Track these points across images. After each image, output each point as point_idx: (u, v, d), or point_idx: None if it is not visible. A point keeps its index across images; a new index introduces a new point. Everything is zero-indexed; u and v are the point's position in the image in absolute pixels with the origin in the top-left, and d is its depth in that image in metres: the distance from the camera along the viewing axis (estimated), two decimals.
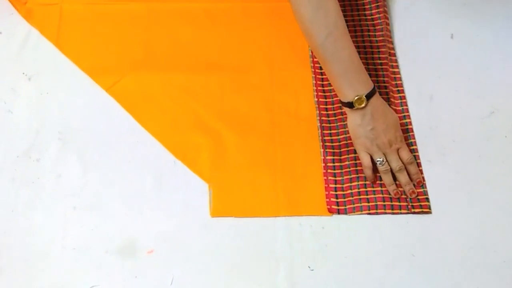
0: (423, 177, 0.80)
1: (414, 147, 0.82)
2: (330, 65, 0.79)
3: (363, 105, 0.77)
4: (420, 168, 0.81)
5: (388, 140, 0.78)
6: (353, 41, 0.93)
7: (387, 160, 0.78)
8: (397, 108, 0.86)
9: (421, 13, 0.98)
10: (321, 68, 0.91)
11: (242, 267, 0.73)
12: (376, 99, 0.78)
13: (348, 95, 0.78)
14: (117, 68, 0.91)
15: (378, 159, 0.78)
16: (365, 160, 0.79)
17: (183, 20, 0.97)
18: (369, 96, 0.77)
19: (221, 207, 0.78)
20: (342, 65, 0.78)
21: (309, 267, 0.73)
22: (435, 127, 0.85)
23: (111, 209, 0.77)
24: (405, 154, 0.79)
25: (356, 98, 0.77)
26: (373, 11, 0.97)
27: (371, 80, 0.80)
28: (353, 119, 0.79)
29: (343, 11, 0.98)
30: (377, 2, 0.98)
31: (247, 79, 0.90)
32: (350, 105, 0.78)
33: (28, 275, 0.72)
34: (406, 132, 0.84)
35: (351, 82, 0.78)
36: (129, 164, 0.81)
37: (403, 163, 0.79)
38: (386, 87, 0.89)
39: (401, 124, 0.85)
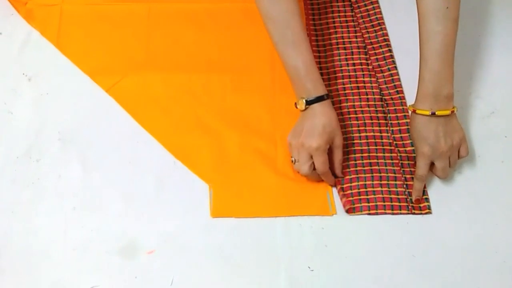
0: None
1: (414, 147, 0.82)
2: (284, 67, 0.80)
3: (301, 108, 0.78)
4: None
5: (303, 144, 0.76)
6: (353, 41, 0.94)
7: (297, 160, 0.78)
8: (398, 108, 0.87)
9: None
10: (321, 69, 0.91)
11: (242, 268, 0.73)
12: (319, 106, 0.77)
13: (296, 96, 0.79)
14: (117, 68, 0.91)
15: (292, 158, 0.79)
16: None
17: (184, 21, 0.97)
18: (311, 103, 0.77)
19: (221, 207, 0.78)
20: (289, 70, 0.79)
21: (309, 267, 0.73)
22: None
23: (112, 209, 0.77)
24: (318, 163, 0.77)
25: (299, 100, 0.78)
26: (370, 12, 0.97)
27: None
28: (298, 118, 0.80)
29: (343, 11, 0.98)
30: (373, 4, 0.98)
31: (248, 79, 0.91)
32: (296, 105, 0.79)
33: (29, 276, 0.72)
34: (407, 132, 0.84)
35: (297, 86, 0.79)
36: (129, 164, 0.81)
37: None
38: (387, 88, 0.89)
39: (402, 124, 0.85)
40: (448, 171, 0.78)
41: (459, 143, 0.78)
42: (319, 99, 0.77)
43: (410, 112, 0.79)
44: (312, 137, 0.76)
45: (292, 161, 0.79)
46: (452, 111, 0.77)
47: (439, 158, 0.77)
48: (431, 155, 0.76)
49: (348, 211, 0.78)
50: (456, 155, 0.78)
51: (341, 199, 0.79)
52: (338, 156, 0.79)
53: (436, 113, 0.75)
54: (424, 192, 0.79)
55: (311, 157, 0.77)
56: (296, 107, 0.79)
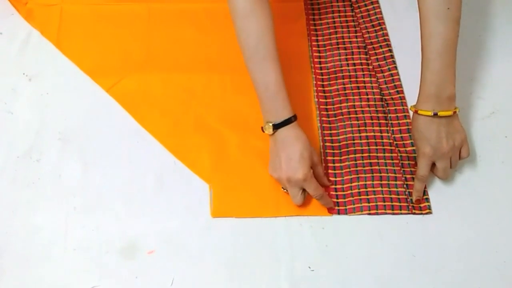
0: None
1: (414, 147, 0.82)
2: (253, 85, 0.78)
3: (269, 133, 0.76)
4: None
5: (286, 178, 0.75)
6: (354, 41, 0.94)
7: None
8: (398, 108, 0.87)
9: None
10: (321, 69, 0.92)
11: (243, 267, 0.73)
12: (288, 131, 0.76)
13: (263, 118, 0.78)
14: (117, 68, 0.91)
15: (283, 189, 0.78)
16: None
17: (184, 21, 0.97)
18: (278, 126, 0.76)
19: (221, 207, 0.78)
20: (258, 90, 0.77)
21: (309, 267, 0.73)
22: None
23: (112, 209, 0.77)
24: (311, 191, 0.76)
25: (265, 124, 0.77)
26: (370, 12, 0.97)
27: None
28: (269, 142, 0.78)
29: (343, 11, 0.98)
30: (373, 4, 0.98)
31: (248, 79, 0.90)
32: (263, 129, 0.78)
33: (29, 276, 0.72)
34: (407, 132, 0.84)
35: (265, 107, 0.78)
36: (129, 164, 0.81)
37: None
38: (387, 88, 0.89)
39: (402, 124, 0.85)
40: (449, 172, 0.78)
41: (461, 144, 0.78)
42: (287, 122, 0.76)
43: (411, 112, 0.79)
44: (295, 169, 0.74)
45: (285, 191, 0.78)
46: (454, 112, 0.76)
47: (440, 159, 0.77)
48: (432, 155, 0.76)
49: (330, 211, 0.78)
50: (457, 156, 0.78)
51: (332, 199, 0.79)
52: (319, 172, 0.79)
53: (439, 113, 0.75)
54: (425, 192, 0.79)
55: (301, 187, 0.76)
56: (263, 131, 0.77)
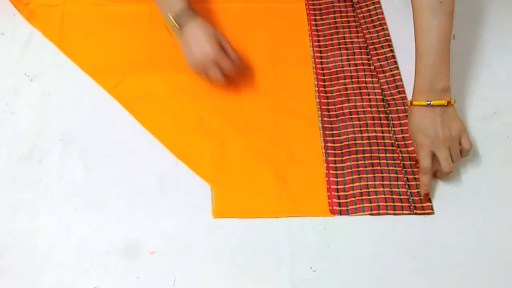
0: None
1: (412, 141, 0.82)
2: None
3: (172, 26, 0.83)
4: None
5: (203, 58, 0.82)
6: (355, 42, 0.94)
7: None
8: (399, 108, 0.87)
9: None
10: (322, 69, 0.91)
11: (244, 268, 0.73)
12: (192, 23, 0.82)
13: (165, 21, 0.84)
14: (119, 69, 0.91)
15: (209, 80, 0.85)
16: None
17: None
18: (180, 17, 0.82)
19: (223, 207, 0.78)
20: None
21: (311, 267, 0.73)
22: None
23: (114, 210, 0.77)
24: (225, 65, 0.83)
25: (168, 21, 0.82)
26: (372, 12, 0.97)
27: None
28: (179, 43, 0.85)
29: (344, 11, 0.98)
30: (375, 4, 0.98)
31: (249, 79, 0.91)
32: (168, 30, 0.84)
33: (30, 276, 0.72)
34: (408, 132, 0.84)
35: (163, 5, 0.84)
36: (131, 165, 0.81)
37: None
38: (389, 88, 0.89)
39: (404, 124, 0.85)
40: (451, 164, 0.76)
41: (459, 134, 0.77)
42: (185, 11, 0.82)
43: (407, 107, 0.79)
44: (206, 46, 0.81)
45: (204, 78, 0.84)
46: (449, 102, 0.76)
47: (439, 148, 0.76)
48: (430, 145, 0.76)
49: (332, 212, 0.78)
50: (456, 146, 0.77)
51: (329, 198, 0.79)
52: (227, 47, 0.84)
53: (432, 103, 0.76)
54: None
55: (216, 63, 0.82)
56: (171, 33, 0.83)
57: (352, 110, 0.87)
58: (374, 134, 0.84)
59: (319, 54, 0.93)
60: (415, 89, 0.78)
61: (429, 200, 0.78)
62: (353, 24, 0.97)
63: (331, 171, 0.81)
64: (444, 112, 0.77)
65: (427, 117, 0.76)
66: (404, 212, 0.78)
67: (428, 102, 0.76)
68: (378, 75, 0.91)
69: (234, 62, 0.84)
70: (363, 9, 0.98)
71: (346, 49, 0.94)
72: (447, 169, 0.76)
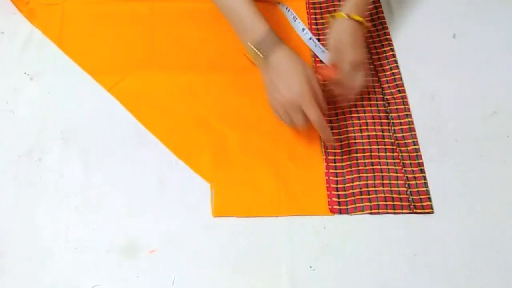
0: (423, 176, 0.80)
1: (416, 146, 0.82)
2: (229, 20, 0.77)
3: (260, 55, 0.74)
4: (422, 167, 0.81)
5: (290, 102, 0.73)
6: None
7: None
8: (399, 107, 0.86)
9: (423, 13, 0.98)
10: (323, 69, 0.91)
11: (244, 267, 0.73)
12: (277, 52, 0.74)
13: (247, 48, 0.76)
14: (119, 68, 0.91)
15: (287, 123, 0.77)
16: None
17: (186, 20, 0.97)
18: (264, 44, 0.73)
19: (223, 207, 0.78)
20: (235, 18, 0.77)
21: (310, 266, 0.73)
22: (437, 127, 0.85)
23: (113, 208, 0.78)
24: (310, 114, 0.73)
25: (251, 48, 0.74)
26: (372, 11, 0.97)
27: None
28: (262, 75, 0.76)
29: None
30: (375, 3, 0.98)
31: (249, 79, 0.90)
32: (249, 58, 0.75)
33: (30, 275, 0.72)
34: (408, 131, 0.84)
35: (245, 32, 0.76)
36: (131, 163, 0.82)
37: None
38: (389, 87, 0.89)
39: (404, 123, 0.85)
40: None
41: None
42: (270, 37, 0.74)
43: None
44: (300, 88, 0.72)
45: (284, 121, 0.76)
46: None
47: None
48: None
49: (331, 211, 0.78)
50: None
51: (329, 197, 0.79)
52: (319, 96, 0.75)
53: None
54: (427, 191, 0.79)
55: (302, 109, 0.74)
56: (252, 61, 0.75)
57: (352, 109, 0.87)
58: (374, 133, 0.84)
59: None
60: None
61: (429, 199, 0.78)
62: None
63: (330, 170, 0.81)
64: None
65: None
66: (404, 211, 0.78)
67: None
68: (378, 74, 0.91)
69: (321, 108, 0.75)
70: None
71: None
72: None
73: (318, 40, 0.94)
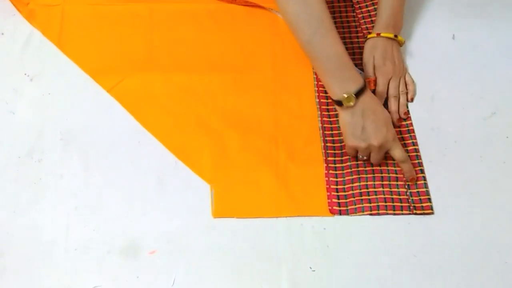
0: (423, 176, 0.80)
1: (415, 147, 0.83)
2: (318, 62, 0.79)
3: (351, 103, 0.77)
4: (422, 167, 0.81)
5: (379, 144, 0.77)
6: (355, 42, 0.94)
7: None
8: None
9: (423, 14, 0.99)
10: None
11: (244, 268, 0.73)
12: (366, 97, 0.78)
13: (337, 93, 0.78)
14: (119, 69, 0.91)
15: (361, 156, 0.80)
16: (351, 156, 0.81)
17: (186, 21, 0.97)
18: (358, 94, 0.77)
19: (223, 207, 0.78)
20: (329, 62, 0.78)
21: (310, 267, 0.73)
22: (436, 128, 0.85)
23: (113, 209, 0.77)
24: (397, 153, 0.78)
25: (345, 95, 0.77)
26: (372, 13, 0.97)
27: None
28: (343, 117, 0.79)
29: (344, 11, 0.99)
30: (374, 5, 0.98)
31: (249, 79, 0.91)
32: (339, 103, 0.78)
33: (30, 276, 0.72)
34: (408, 132, 0.84)
35: (339, 79, 0.78)
36: (131, 164, 0.81)
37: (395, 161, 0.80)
38: None
39: (402, 126, 0.85)
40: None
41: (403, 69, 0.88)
42: (364, 88, 0.78)
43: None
44: (385, 133, 0.77)
45: (362, 158, 0.80)
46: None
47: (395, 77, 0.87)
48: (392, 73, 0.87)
49: (331, 211, 0.78)
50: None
51: (329, 198, 0.79)
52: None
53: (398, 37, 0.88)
54: (427, 192, 0.79)
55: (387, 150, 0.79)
56: (341, 105, 0.77)
57: None
58: None
59: None
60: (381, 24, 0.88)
61: (429, 200, 0.78)
62: (353, 24, 0.97)
63: (330, 171, 0.81)
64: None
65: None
66: (404, 212, 0.78)
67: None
68: None
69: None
70: (363, 10, 0.98)
71: (346, 49, 0.93)
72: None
73: None
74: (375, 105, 0.78)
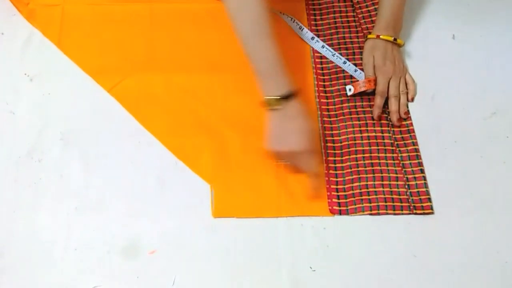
0: (423, 176, 0.80)
1: (415, 147, 0.83)
2: (252, 62, 0.78)
3: (277, 106, 0.76)
4: (422, 167, 0.81)
5: (297, 152, 0.77)
6: (355, 42, 0.94)
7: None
8: None
9: (423, 14, 0.99)
10: (322, 69, 0.92)
11: (244, 268, 0.73)
12: (296, 103, 0.77)
13: (265, 94, 0.78)
14: (119, 69, 0.91)
15: (279, 161, 0.80)
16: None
17: (186, 21, 0.97)
18: (287, 99, 0.76)
19: (223, 207, 0.78)
20: (262, 65, 0.78)
21: (310, 267, 0.73)
22: (437, 128, 0.85)
23: (113, 209, 0.77)
24: (311, 166, 0.78)
25: (272, 98, 0.77)
26: (372, 13, 0.97)
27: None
28: (270, 119, 0.78)
29: (344, 11, 0.98)
30: (374, 5, 0.98)
31: (249, 79, 0.90)
32: (266, 104, 0.77)
33: (30, 276, 0.72)
34: (408, 132, 0.84)
35: (270, 82, 0.78)
36: (131, 164, 0.81)
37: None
38: None
39: (403, 125, 0.85)
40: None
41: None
42: (293, 95, 0.77)
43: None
44: (305, 141, 0.76)
45: (283, 161, 0.80)
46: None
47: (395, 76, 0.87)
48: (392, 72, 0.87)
49: (331, 211, 0.78)
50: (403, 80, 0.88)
51: (329, 197, 0.79)
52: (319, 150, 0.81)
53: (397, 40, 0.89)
54: (427, 192, 0.79)
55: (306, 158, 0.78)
56: (266, 107, 0.77)
57: (351, 110, 0.87)
58: (373, 134, 0.84)
59: (319, 54, 0.93)
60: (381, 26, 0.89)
61: (429, 199, 0.78)
62: (353, 24, 0.97)
63: (330, 171, 0.81)
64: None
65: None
66: (404, 212, 0.78)
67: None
68: None
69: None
70: (363, 9, 0.98)
71: (346, 49, 0.94)
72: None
73: (324, 42, 0.95)
74: (302, 113, 0.77)
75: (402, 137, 0.84)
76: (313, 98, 0.89)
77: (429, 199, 0.78)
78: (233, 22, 0.79)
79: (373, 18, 0.96)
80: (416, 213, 0.78)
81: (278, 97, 0.76)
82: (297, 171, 0.80)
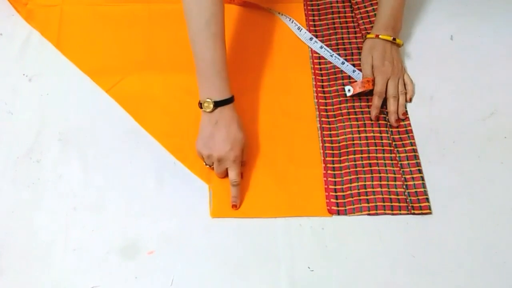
0: (421, 177, 0.80)
1: (414, 147, 0.83)
2: (195, 60, 0.79)
3: (208, 110, 0.76)
4: (420, 168, 0.81)
5: (218, 158, 0.77)
6: (353, 42, 0.94)
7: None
8: None
9: (421, 15, 0.99)
10: (321, 70, 0.92)
11: (243, 268, 0.73)
12: (228, 110, 0.77)
13: (201, 95, 0.78)
14: (117, 69, 0.91)
15: (206, 164, 0.80)
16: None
17: (184, 21, 0.96)
18: (219, 104, 0.76)
19: (221, 208, 0.78)
20: (204, 65, 0.78)
21: (309, 267, 0.73)
22: (435, 128, 0.86)
23: (112, 209, 0.78)
24: (231, 175, 0.77)
25: (206, 100, 0.76)
26: (370, 13, 0.97)
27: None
28: (202, 120, 0.78)
29: (343, 12, 0.99)
30: (373, 6, 0.98)
31: (247, 79, 0.91)
32: (201, 105, 0.78)
33: (29, 276, 0.72)
34: (406, 133, 0.84)
35: (208, 83, 0.78)
36: (129, 165, 0.82)
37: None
38: None
39: (401, 126, 0.85)
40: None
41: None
42: (227, 101, 0.77)
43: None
44: (228, 150, 0.76)
45: (207, 166, 0.80)
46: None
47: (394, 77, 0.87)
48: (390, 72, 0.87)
49: (330, 212, 0.78)
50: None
51: (327, 198, 0.79)
52: (243, 158, 0.80)
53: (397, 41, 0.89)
54: (425, 192, 0.79)
55: (227, 167, 0.78)
56: (200, 108, 0.77)
57: (350, 110, 0.87)
58: (372, 134, 0.85)
59: (317, 55, 0.93)
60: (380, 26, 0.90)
61: (427, 200, 0.78)
62: (351, 25, 0.97)
63: (329, 171, 0.81)
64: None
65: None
66: (402, 212, 0.78)
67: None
68: None
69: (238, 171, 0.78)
70: (361, 10, 0.99)
71: (344, 49, 0.94)
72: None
73: (322, 42, 0.95)
74: (232, 122, 0.77)
75: (400, 137, 0.84)
76: (311, 98, 0.89)
77: (427, 199, 0.78)
78: (185, 17, 0.79)
79: (372, 19, 0.97)
80: (414, 213, 0.78)
81: (212, 101, 0.76)
82: (223, 176, 0.79)
